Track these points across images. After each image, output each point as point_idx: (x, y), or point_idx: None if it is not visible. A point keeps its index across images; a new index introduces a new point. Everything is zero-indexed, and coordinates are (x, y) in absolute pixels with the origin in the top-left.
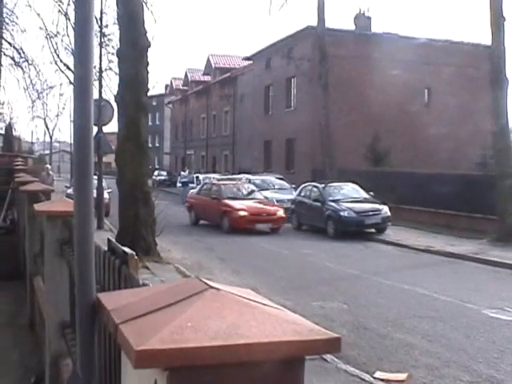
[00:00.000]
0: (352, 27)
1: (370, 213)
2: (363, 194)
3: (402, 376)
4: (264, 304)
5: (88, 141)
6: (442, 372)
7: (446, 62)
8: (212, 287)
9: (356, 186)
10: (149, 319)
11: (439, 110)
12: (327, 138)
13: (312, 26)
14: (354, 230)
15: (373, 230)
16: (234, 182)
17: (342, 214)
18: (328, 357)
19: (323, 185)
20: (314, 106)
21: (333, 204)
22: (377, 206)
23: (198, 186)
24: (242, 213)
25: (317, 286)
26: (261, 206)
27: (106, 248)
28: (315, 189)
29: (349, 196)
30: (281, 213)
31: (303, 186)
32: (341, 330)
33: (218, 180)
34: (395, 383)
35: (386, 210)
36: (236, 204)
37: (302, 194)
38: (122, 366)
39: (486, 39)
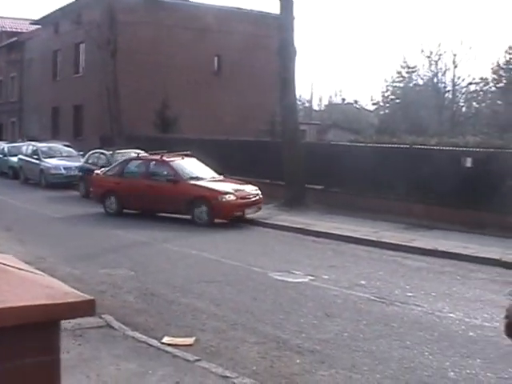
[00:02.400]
0: None
1: None
2: None
3: (190, 340)
4: (20, 269)
5: None
6: (229, 334)
7: (237, 30)
8: None
9: (143, 153)
10: None
11: (228, 77)
12: (115, 104)
13: None
14: None
15: None
16: (179, 158)
17: None
18: (115, 324)
19: (111, 152)
20: (103, 73)
21: None
22: None
23: (112, 165)
24: (230, 197)
25: (105, 253)
26: (240, 186)
27: None
28: (103, 156)
29: None
30: (260, 193)
31: (90, 153)
32: (128, 297)
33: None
34: (183, 347)
35: None
36: (216, 186)
37: (90, 162)
38: None
39: (276, 8)
